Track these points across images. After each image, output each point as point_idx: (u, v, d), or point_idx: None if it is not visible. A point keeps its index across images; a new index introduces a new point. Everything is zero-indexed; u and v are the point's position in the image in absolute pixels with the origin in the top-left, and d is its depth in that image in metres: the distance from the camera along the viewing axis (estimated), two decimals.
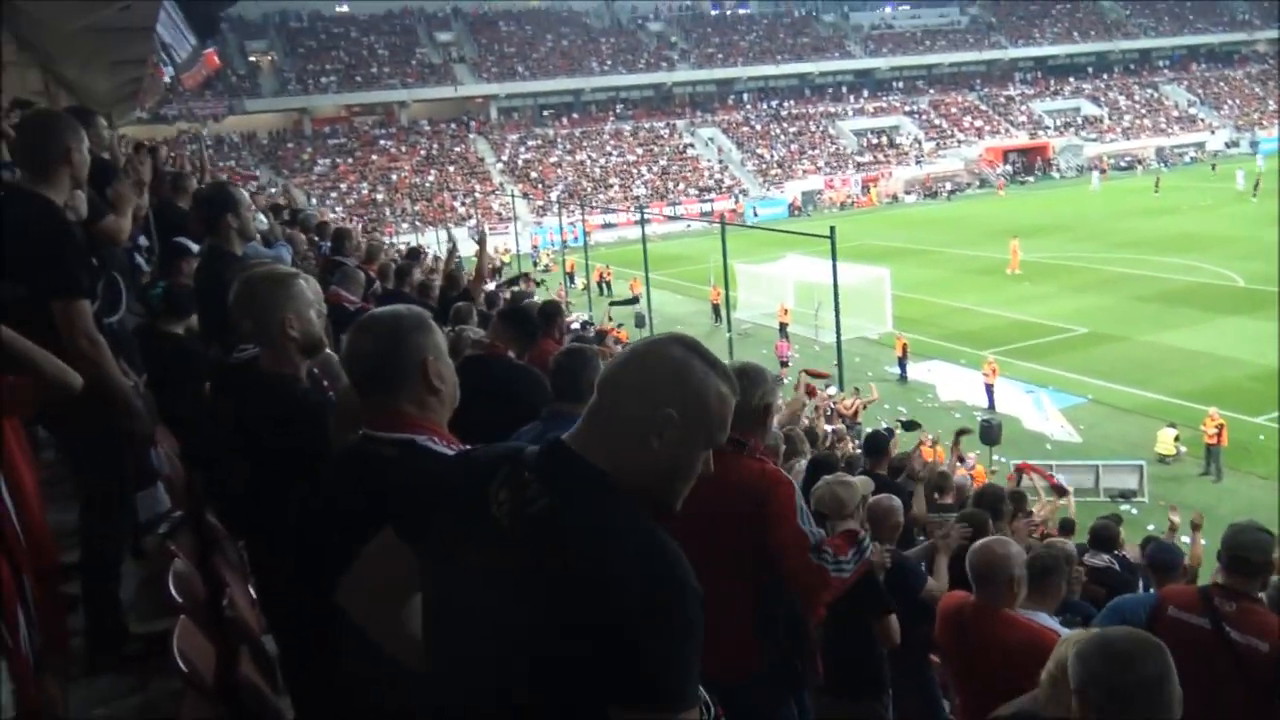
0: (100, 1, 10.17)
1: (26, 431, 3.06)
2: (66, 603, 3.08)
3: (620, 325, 26.49)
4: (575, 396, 3.79)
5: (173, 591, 3.20)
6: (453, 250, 10.82)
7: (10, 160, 7.16)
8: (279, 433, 2.89)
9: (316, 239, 11.26)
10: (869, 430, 10.33)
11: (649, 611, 1.52)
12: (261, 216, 10.09)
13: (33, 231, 3.17)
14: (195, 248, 5.88)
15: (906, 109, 70.50)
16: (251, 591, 3.87)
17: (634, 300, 25.66)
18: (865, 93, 72.01)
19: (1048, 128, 69.59)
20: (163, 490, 4.13)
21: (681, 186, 60.04)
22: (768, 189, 60.21)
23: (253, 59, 62.71)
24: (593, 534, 1.59)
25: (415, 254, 13.15)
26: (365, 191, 56.39)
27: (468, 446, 2.19)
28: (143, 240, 7.05)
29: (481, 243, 9.50)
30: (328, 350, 3.11)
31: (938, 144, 66.87)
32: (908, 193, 60.76)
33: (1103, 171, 60.62)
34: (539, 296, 12.28)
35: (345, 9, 67.45)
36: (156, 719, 3.21)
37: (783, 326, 28.20)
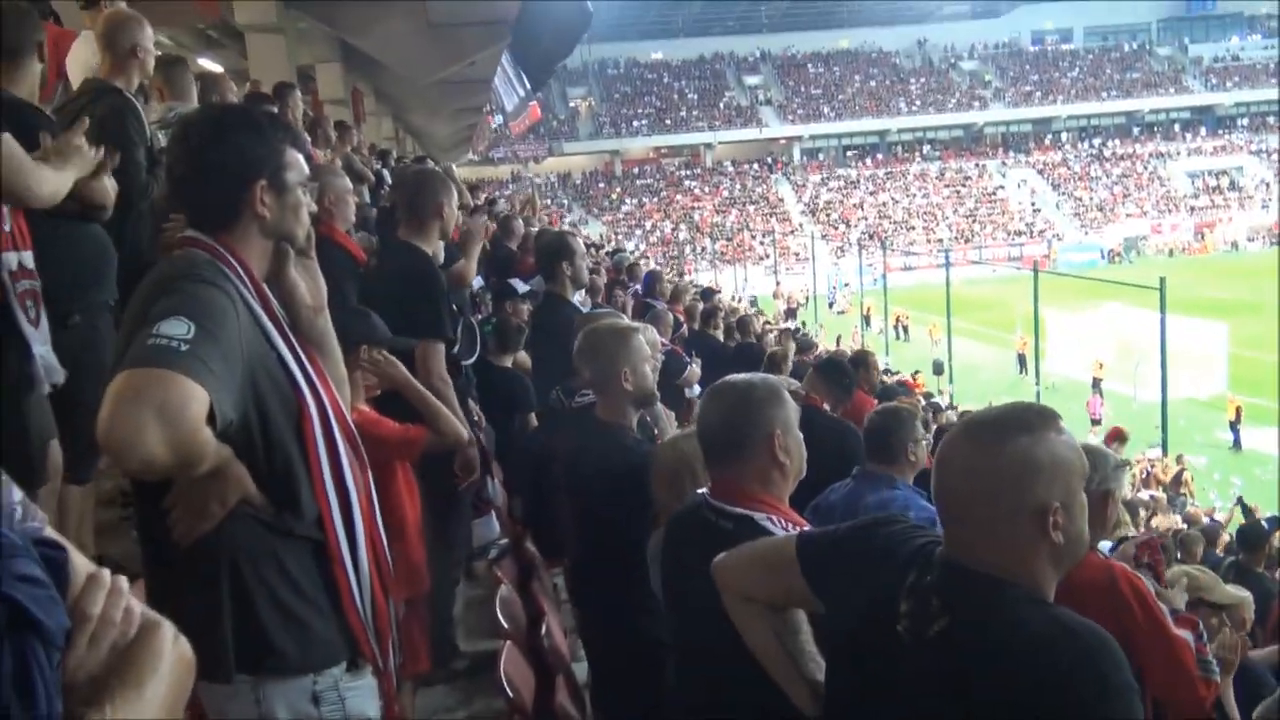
0: (453, 62, 11.25)
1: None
2: (424, 623, 3.38)
3: (917, 372, 25.72)
4: (888, 458, 3.84)
5: (499, 617, 3.43)
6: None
7: (370, 202, 8.05)
8: (605, 478, 3.07)
9: (626, 280, 11.77)
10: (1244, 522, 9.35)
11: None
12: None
13: (412, 282, 3.55)
14: (523, 288, 6.34)
15: (1253, 148, 63.88)
16: (554, 620, 4.07)
17: None
18: (1203, 130, 66.00)
19: None
20: (494, 518, 4.45)
21: (989, 230, 57.53)
22: (1085, 233, 56.44)
23: (572, 104, 66.86)
24: (994, 651, 1.54)
25: (709, 295, 13.45)
26: (668, 230, 58.36)
27: (808, 527, 2.19)
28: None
29: None
30: (658, 402, 3.25)
31: None
32: (1250, 239, 54.91)
33: None
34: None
35: (659, 55, 70.42)
36: None
37: (1096, 381, 26.23)
